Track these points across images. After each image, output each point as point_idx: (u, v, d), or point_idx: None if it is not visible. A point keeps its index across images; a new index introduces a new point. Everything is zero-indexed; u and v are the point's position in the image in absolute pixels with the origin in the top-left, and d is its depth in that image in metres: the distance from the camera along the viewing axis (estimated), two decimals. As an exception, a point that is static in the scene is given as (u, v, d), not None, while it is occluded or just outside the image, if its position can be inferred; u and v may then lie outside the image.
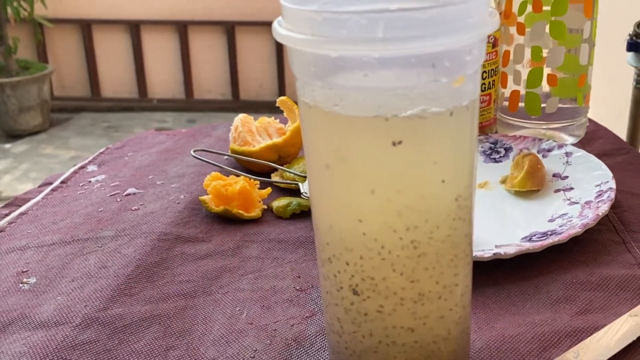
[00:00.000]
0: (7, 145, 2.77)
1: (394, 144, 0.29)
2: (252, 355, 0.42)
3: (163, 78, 3.17)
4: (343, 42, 0.26)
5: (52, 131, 2.92)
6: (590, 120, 0.75)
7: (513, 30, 0.68)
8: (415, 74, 0.28)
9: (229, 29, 3.05)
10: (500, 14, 0.68)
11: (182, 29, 3.07)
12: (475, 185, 0.34)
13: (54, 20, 2.95)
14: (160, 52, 3.14)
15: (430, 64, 0.28)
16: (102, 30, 3.11)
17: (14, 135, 2.85)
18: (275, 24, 0.30)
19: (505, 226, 0.54)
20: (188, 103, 3.15)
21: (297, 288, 0.49)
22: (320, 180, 0.32)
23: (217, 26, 3.07)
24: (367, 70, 0.27)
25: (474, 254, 0.48)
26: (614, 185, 0.55)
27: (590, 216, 0.51)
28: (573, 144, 0.69)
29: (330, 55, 0.27)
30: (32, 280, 0.50)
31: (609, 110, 0.93)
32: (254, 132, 0.66)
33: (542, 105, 0.69)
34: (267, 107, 3.01)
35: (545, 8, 0.65)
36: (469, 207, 0.33)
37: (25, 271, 0.51)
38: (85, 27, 3.06)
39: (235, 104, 3.14)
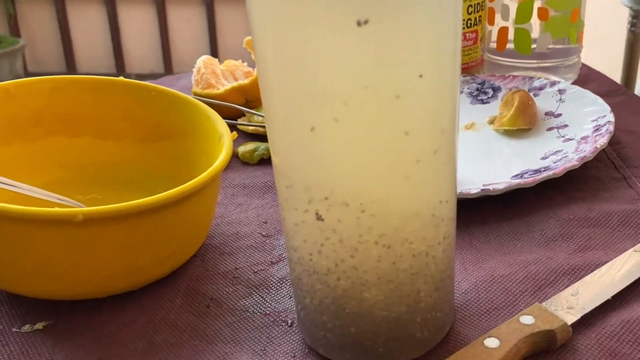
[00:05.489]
0: (-20, 123, 2.67)
1: (358, 23, 0.24)
2: (207, 305, 0.36)
3: (141, 52, 3.08)
4: None
5: (27, 108, 2.83)
6: (583, 64, 0.70)
7: (500, -39, 0.62)
8: None
9: (208, 2, 2.96)
10: (486, -57, 0.62)
11: (159, 1, 2.97)
12: (458, 92, 0.29)
13: (26, -8, 2.84)
14: (137, 26, 3.04)
15: None
16: (77, 3, 3.00)
17: (-13, 113, 2.75)
18: None
19: (493, 166, 0.49)
20: (167, 78, 3.06)
21: (263, 234, 0.43)
22: (268, 76, 0.27)
23: (195, -2, 2.98)
24: None
25: (459, 190, 0.43)
26: (612, 119, 0.50)
27: (588, 149, 0.46)
28: (565, 85, 0.64)
29: None
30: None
31: (601, 56, 0.88)
32: (218, 75, 0.60)
33: (533, 46, 0.64)
34: (249, 81, 2.93)
35: None
36: (452, 123, 0.28)
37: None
38: (59, 0, 2.96)
39: (216, 78, 3.06)
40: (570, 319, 0.31)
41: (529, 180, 0.43)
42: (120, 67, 3.07)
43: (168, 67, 3.05)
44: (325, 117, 0.25)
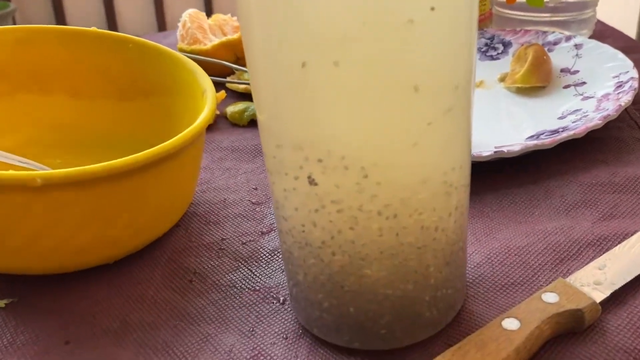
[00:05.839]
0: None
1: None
2: (189, 280, 0.33)
3: (134, 14, 2.99)
4: None
5: (18, 73, 2.76)
6: (597, 20, 0.66)
7: None
8: None
9: (203, -39, 2.87)
10: None
11: (152, -39, 2.88)
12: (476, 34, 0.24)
13: (14, -47, 2.75)
14: (129, -12, 2.95)
15: None
16: (67, -36, 2.91)
17: (-23, 78, 2.68)
18: None
19: (505, 127, 0.45)
20: (161, 42, 2.99)
21: (253, 201, 0.40)
22: (249, 11, 0.22)
23: (189, -42, 2.88)
24: None
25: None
26: (636, 75, 0.45)
27: (611, 108, 0.42)
28: (581, 41, 0.59)
29: None
30: None
31: (614, 11, 0.83)
32: (205, 30, 0.55)
33: (545, -1, 0.59)
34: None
35: None
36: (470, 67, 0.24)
37: None
38: (48, -39, 2.87)
39: (212, 42, 2.98)
40: (599, 296, 0.28)
41: (547, 141, 0.39)
42: (112, 29, 2.99)
43: (162, 28, 2.98)
44: (320, 58, 0.21)
